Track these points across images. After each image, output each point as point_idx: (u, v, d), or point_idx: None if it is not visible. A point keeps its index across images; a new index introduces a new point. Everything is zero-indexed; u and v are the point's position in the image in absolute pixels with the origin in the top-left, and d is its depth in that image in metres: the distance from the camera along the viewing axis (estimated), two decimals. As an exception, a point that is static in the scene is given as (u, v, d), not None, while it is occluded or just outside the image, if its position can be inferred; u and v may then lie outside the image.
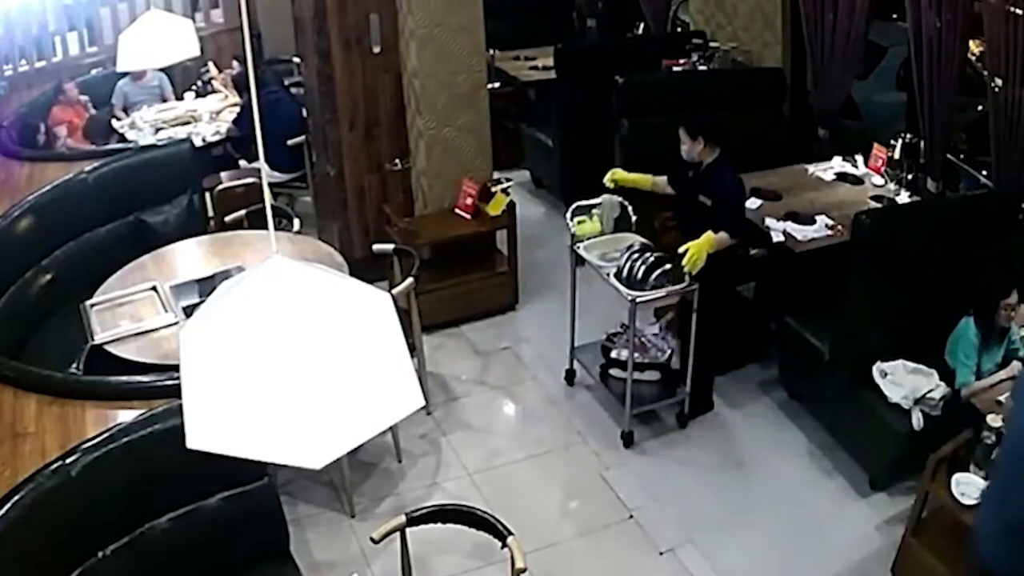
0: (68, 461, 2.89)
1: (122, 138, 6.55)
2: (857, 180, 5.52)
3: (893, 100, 6.54)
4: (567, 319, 5.01)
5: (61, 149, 6.33)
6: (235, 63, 7.56)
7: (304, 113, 6.24)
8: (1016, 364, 3.95)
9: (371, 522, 4.11)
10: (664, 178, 4.73)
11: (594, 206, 4.85)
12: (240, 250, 4.77)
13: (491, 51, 6.71)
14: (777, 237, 4.84)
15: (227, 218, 5.38)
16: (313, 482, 4.41)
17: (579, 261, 4.78)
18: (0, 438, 3.25)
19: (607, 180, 4.76)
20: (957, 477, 3.53)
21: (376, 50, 5.56)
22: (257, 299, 1.52)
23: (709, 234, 4.31)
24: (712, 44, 6.60)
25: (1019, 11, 4.22)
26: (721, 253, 4.48)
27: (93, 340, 4.05)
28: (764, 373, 5.18)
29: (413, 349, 4.57)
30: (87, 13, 7.80)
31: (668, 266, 4.34)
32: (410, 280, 4.46)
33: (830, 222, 4.93)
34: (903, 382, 4.14)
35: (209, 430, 1.53)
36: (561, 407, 5.01)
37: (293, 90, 6.84)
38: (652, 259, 4.36)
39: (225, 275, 4.30)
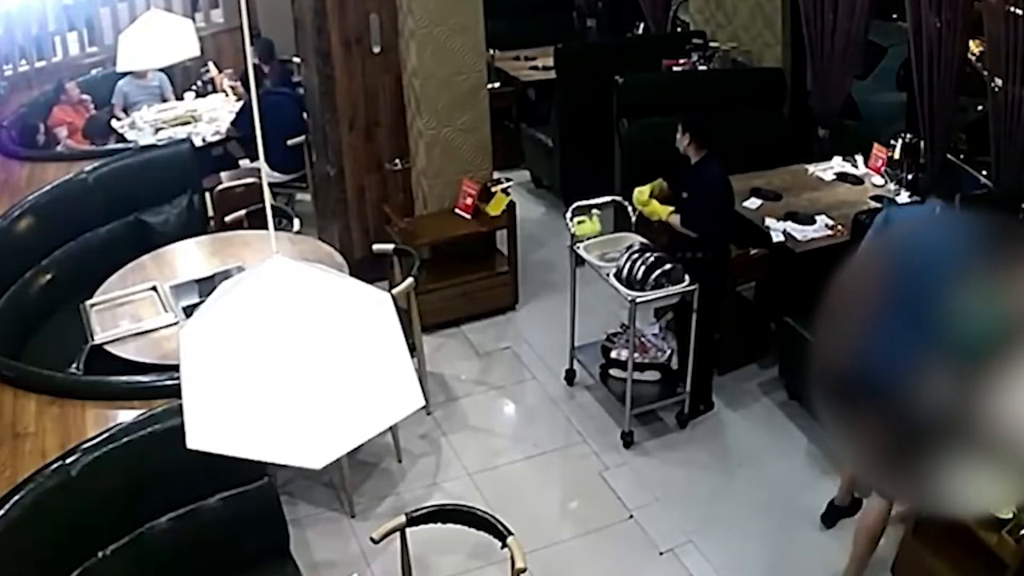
0: (68, 461, 2.89)
1: (121, 138, 6.55)
2: (857, 180, 5.52)
3: (893, 100, 6.54)
4: (567, 319, 5.01)
5: (61, 149, 6.34)
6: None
7: (304, 114, 6.25)
8: None
9: (371, 522, 4.11)
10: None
11: (594, 206, 4.85)
12: (240, 250, 4.77)
13: (491, 51, 6.70)
14: (777, 237, 4.84)
15: (227, 218, 5.38)
16: (313, 482, 4.41)
17: (579, 261, 4.78)
18: (0, 438, 3.25)
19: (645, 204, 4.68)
20: (957, 477, 3.53)
21: (376, 50, 5.56)
22: (257, 299, 1.53)
23: (669, 211, 4.54)
24: (712, 44, 6.60)
25: (1019, 11, 4.22)
26: (716, 255, 4.53)
27: (93, 340, 4.05)
28: (764, 373, 5.18)
29: (413, 349, 4.57)
30: (87, 13, 7.80)
31: (668, 266, 4.34)
32: (410, 280, 4.46)
33: (830, 222, 4.93)
34: (903, 382, 4.14)
35: (209, 430, 1.53)
36: (561, 407, 5.01)
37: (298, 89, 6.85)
38: (652, 259, 4.36)
39: (225, 275, 4.30)
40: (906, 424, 3.03)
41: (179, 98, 7.23)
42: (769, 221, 4.96)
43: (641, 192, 4.68)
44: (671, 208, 4.57)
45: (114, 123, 6.77)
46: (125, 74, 6.75)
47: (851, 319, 3.22)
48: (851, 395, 3.22)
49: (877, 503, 3.58)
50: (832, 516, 4.13)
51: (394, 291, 4.29)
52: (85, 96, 6.85)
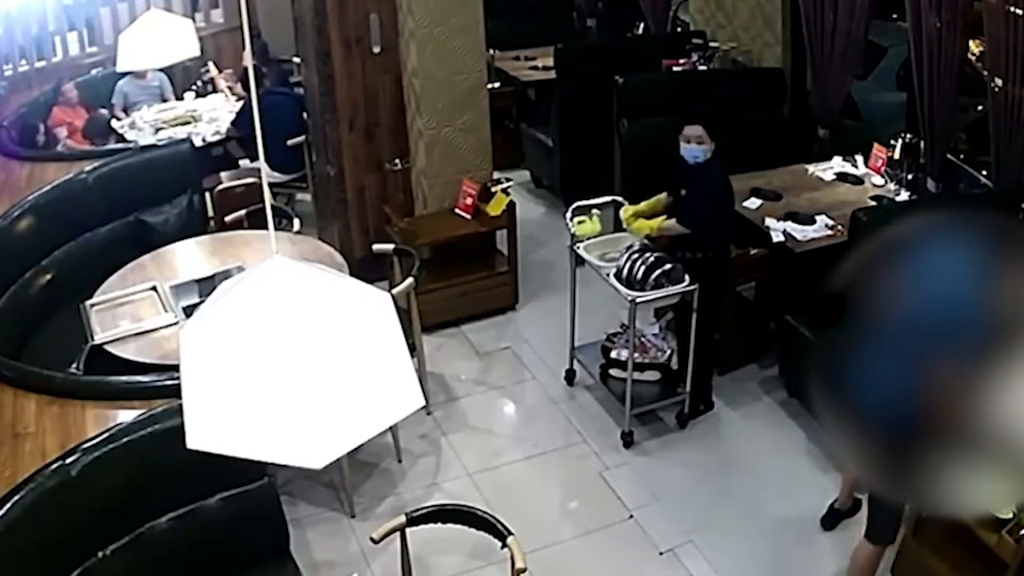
0: (68, 461, 2.90)
1: (121, 138, 6.55)
2: (857, 180, 5.52)
3: (893, 100, 6.53)
4: (567, 319, 5.01)
5: (61, 149, 6.34)
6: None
7: (304, 114, 6.24)
8: None
9: (371, 522, 4.11)
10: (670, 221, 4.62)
11: (594, 206, 4.85)
12: (240, 250, 4.77)
13: (491, 51, 6.70)
14: (777, 237, 4.84)
15: (227, 218, 5.38)
16: (313, 482, 4.41)
17: (579, 261, 4.78)
18: (0, 438, 3.25)
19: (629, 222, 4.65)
20: (957, 477, 3.53)
21: (376, 50, 5.56)
22: (257, 299, 1.53)
23: (660, 220, 4.50)
24: (712, 44, 6.60)
25: (1019, 11, 4.22)
26: (716, 255, 4.53)
27: (93, 340, 4.05)
28: (764, 373, 5.19)
29: (413, 349, 4.57)
30: (87, 13, 7.80)
31: (668, 266, 4.34)
32: (410, 280, 4.46)
33: (830, 222, 4.93)
34: (903, 382, 4.14)
35: (209, 430, 1.53)
36: (561, 407, 5.01)
37: (297, 89, 6.85)
38: (652, 259, 4.36)
39: (225, 275, 4.30)
40: (906, 425, 3.03)
41: (179, 98, 7.23)
42: (769, 221, 4.96)
43: (625, 211, 4.68)
44: (662, 216, 4.54)
45: (114, 123, 6.77)
46: (125, 74, 6.75)
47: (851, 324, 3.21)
48: (851, 398, 3.21)
49: (869, 545, 3.54)
50: (832, 519, 4.13)
51: (394, 291, 4.29)
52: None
